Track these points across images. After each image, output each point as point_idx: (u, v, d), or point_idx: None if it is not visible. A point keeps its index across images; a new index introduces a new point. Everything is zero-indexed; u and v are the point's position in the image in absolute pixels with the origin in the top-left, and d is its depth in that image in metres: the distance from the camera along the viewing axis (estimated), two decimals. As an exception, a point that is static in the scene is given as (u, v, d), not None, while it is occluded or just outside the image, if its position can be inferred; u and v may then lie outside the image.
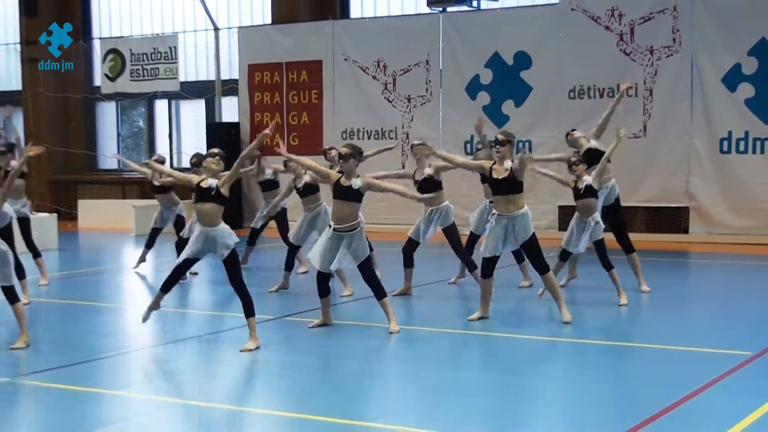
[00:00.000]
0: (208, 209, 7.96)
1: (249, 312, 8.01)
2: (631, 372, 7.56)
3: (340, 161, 8.71)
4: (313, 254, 8.64)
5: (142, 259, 12.73)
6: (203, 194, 7.96)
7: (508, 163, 8.81)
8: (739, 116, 15.21)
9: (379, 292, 8.71)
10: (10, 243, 9.93)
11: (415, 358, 7.97)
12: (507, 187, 8.78)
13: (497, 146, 8.91)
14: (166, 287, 8.41)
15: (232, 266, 8.01)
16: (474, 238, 10.93)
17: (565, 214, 15.95)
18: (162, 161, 11.92)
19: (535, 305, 9.99)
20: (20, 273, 9.67)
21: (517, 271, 11.02)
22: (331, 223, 8.61)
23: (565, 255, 10.11)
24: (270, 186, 12.45)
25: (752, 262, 13.59)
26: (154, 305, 8.50)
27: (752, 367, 7.29)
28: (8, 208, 10.21)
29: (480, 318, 9.12)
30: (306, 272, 11.88)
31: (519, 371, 7.47)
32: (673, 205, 15.79)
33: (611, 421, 6.02)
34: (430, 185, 10.15)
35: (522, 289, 10.78)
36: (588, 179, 9.72)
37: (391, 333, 8.54)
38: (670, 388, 6.66)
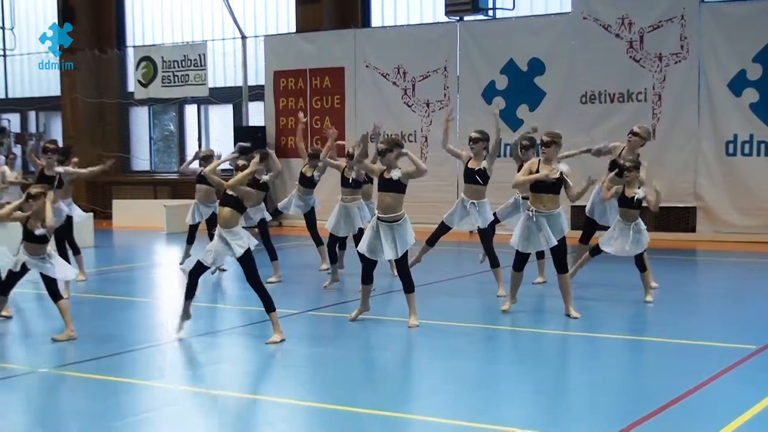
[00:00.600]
0: (225, 213, 8.33)
1: (269, 308, 8.29)
2: (640, 365, 7.78)
3: (379, 157, 8.87)
4: (361, 244, 8.93)
5: (187, 255, 12.24)
6: (225, 199, 8.41)
7: (562, 167, 9.00)
8: (744, 120, 15.44)
9: (409, 286, 8.89)
10: (62, 240, 10.60)
11: (435, 350, 8.06)
12: (552, 187, 8.99)
13: (543, 147, 9.05)
14: (189, 294, 8.55)
15: (248, 265, 8.27)
16: (496, 221, 10.98)
17: (576, 215, 16.39)
18: (210, 155, 12.18)
19: (545, 301, 10.27)
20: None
21: (529, 269, 11.18)
22: (376, 212, 8.90)
23: (595, 251, 10.21)
24: (308, 184, 12.11)
25: (757, 260, 13.83)
26: (185, 315, 8.57)
27: (756, 361, 7.47)
28: (63, 207, 10.85)
29: (511, 304, 9.44)
30: (327, 269, 12.04)
31: (530, 363, 7.67)
32: (681, 205, 15.96)
33: (621, 411, 6.18)
34: (482, 177, 10.17)
35: (535, 286, 10.95)
36: (640, 193, 9.67)
37: (409, 327, 8.77)
38: (677, 381, 6.83)
